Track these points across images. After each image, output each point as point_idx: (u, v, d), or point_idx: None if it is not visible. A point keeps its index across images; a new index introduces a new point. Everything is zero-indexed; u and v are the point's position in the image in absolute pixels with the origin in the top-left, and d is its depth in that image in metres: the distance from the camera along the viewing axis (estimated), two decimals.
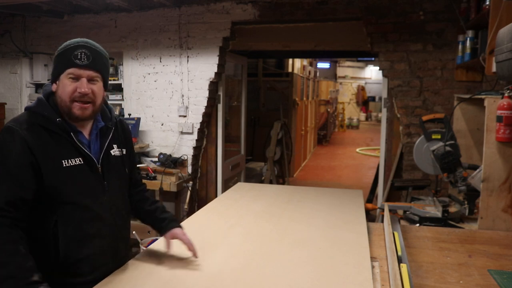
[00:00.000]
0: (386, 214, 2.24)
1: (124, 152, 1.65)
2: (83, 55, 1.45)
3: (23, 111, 1.54)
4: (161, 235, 1.72)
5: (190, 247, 1.64)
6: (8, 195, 1.35)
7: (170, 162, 4.14)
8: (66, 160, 1.43)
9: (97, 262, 1.50)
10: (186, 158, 4.33)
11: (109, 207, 1.54)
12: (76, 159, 1.45)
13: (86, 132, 1.53)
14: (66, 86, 1.44)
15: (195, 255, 1.64)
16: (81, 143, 1.48)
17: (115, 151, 1.60)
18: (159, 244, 1.80)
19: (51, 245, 1.41)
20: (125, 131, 1.70)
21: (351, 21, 4.07)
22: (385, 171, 4.13)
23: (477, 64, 3.00)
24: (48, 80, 4.70)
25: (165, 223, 1.69)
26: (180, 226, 1.71)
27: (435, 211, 2.53)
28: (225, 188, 4.40)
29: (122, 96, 4.54)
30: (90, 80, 1.46)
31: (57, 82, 1.47)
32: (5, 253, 1.29)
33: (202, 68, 4.29)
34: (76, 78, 1.44)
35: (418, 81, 3.79)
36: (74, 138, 1.46)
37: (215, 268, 1.58)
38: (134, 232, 2.34)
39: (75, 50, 1.45)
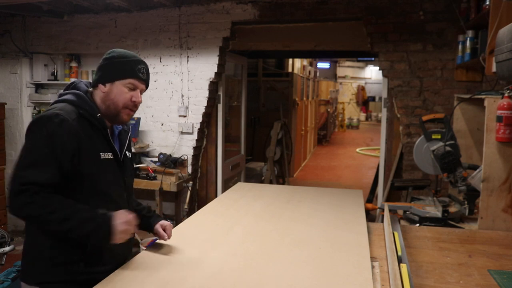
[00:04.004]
0: (386, 214, 2.24)
1: (130, 156, 1.79)
2: (144, 71, 1.62)
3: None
4: (150, 230, 1.81)
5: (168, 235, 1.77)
6: (51, 177, 1.43)
7: (170, 162, 4.14)
8: (102, 153, 1.57)
9: (116, 252, 1.61)
10: (186, 158, 4.33)
11: (127, 202, 1.68)
12: (108, 153, 1.59)
13: (109, 133, 1.65)
14: (122, 93, 1.58)
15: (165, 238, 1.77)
16: (112, 140, 1.62)
17: (128, 153, 1.75)
18: (159, 244, 1.81)
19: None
20: (130, 136, 1.83)
21: (351, 21, 4.07)
22: (385, 171, 4.13)
23: (477, 64, 3.00)
24: (48, 80, 4.71)
25: (153, 219, 1.81)
26: (162, 218, 1.84)
27: (435, 211, 2.53)
28: (225, 188, 4.41)
29: None
30: (141, 92, 1.64)
31: (106, 85, 1.58)
32: (67, 208, 1.42)
33: (202, 68, 4.29)
34: (133, 89, 1.59)
35: (418, 81, 3.79)
36: (109, 134, 1.60)
37: (215, 268, 1.58)
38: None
39: (139, 64, 1.60)
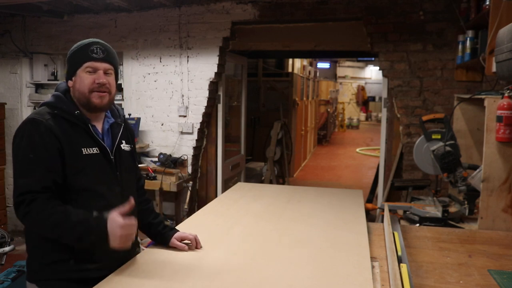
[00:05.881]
0: (386, 214, 2.24)
1: (129, 149, 1.75)
2: (98, 50, 1.56)
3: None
4: (165, 244, 1.77)
5: (196, 244, 1.75)
6: (43, 180, 1.44)
7: (170, 162, 4.14)
8: (85, 148, 1.54)
9: (109, 250, 1.54)
10: (186, 158, 4.33)
11: (121, 197, 1.60)
12: (93, 148, 1.56)
13: (99, 127, 1.63)
14: (84, 79, 1.55)
15: (198, 246, 1.75)
16: (97, 134, 1.59)
17: (124, 146, 1.71)
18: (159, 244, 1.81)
19: None
20: (130, 130, 1.81)
21: (351, 21, 4.07)
22: (385, 171, 4.13)
23: (477, 64, 3.00)
24: (48, 80, 4.71)
25: (168, 233, 1.77)
26: (178, 230, 1.81)
27: (435, 211, 2.53)
28: (225, 188, 4.40)
29: (122, 96, 4.54)
30: (105, 72, 1.57)
31: (73, 78, 1.58)
32: (59, 213, 1.42)
33: (202, 68, 4.29)
34: (94, 71, 1.55)
35: (418, 81, 3.79)
36: (91, 129, 1.57)
37: (215, 268, 1.57)
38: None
39: (91, 46, 1.56)
